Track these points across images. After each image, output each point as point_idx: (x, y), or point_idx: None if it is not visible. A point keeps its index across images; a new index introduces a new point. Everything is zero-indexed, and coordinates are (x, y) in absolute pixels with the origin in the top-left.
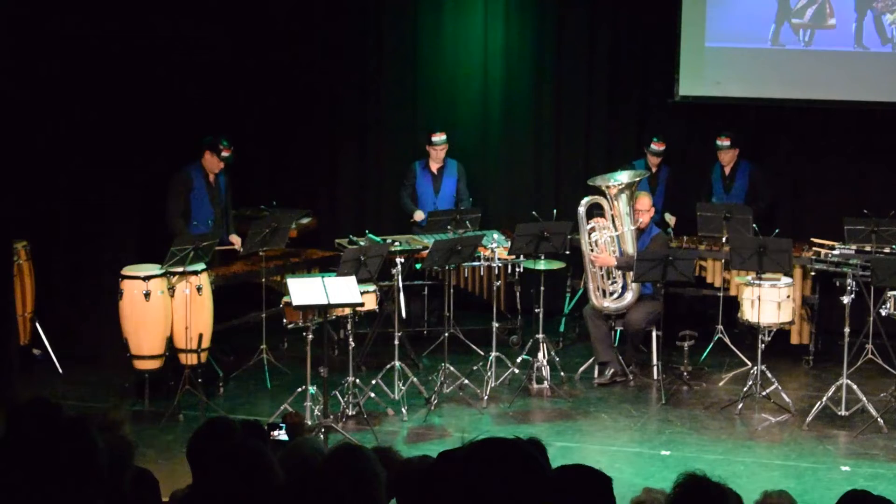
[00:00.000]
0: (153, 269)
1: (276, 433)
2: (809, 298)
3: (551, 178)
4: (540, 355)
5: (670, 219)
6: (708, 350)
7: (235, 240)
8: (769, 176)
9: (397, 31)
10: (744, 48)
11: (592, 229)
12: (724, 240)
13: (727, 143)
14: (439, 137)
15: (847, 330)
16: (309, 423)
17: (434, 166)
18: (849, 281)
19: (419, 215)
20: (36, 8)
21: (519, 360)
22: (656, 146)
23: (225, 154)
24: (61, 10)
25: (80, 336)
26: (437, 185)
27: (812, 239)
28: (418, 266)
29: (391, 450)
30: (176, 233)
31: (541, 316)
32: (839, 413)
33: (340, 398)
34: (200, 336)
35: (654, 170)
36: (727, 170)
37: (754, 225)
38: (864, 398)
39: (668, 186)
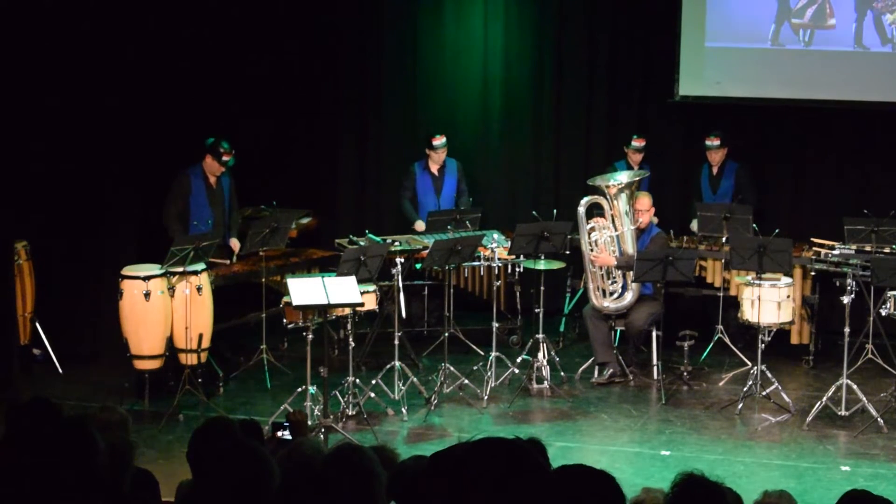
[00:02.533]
0: (153, 269)
1: (280, 433)
2: (809, 298)
3: (551, 178)
4: (540, 355)
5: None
6: (708, 350)
7: (235, 244)
8: (754, 175)
9: (397, 31)
10: (744, 48)
11: (592, 229)
12: (724, 240)
13: (717, 142)
14: (440, 141)
15: (847, 330)
16: (309, 423)
17: (434, 167)
18: (849, 281)
19: (420, 226)
20: (37, 7)
21: (519, 360)
22: (637, 143)
23: (225, 158)
24: (63, 9)
25: (80, 336)
26: (438, 186)
27: (812, 239)
28: (418, 266)
29: (387, 448)
30: (171, 234)
31: (541, 316)
32: (839, 413)
33: (340, 398)
34: (200, 336)
35: (635, 168)
36: (715, 170)
37: (754, 225)
38: (864, 398)
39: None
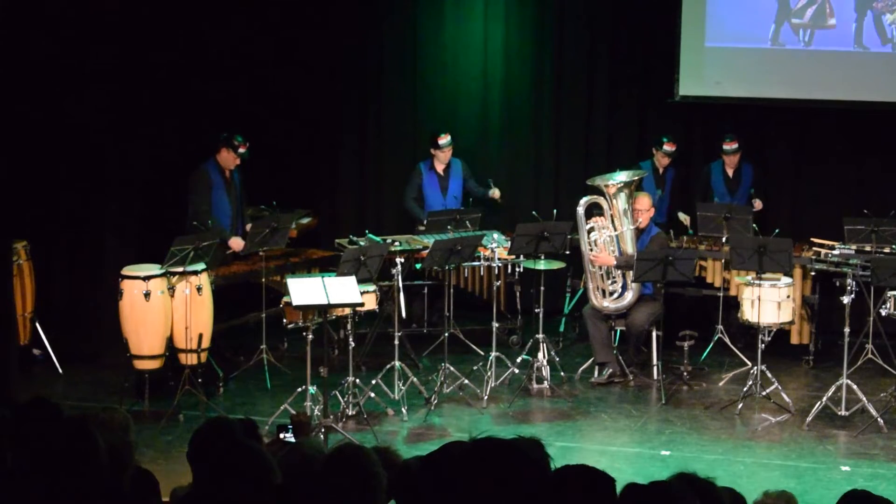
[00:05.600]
0: (153, 269)
1: (283, 435)
2: (809, 298)
3: (551, 178)
4: (540, 355)
5: (685, 218)
6: (708, 350)
7: (237, 243)
8: (764, 178)
9: (397, 31)
10: (744, 48)
11: (591, 229)
12: (724, 240)
13: (735, 146)
14: (445, 140)
15: (847, 330)
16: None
17: (440, 167)
18: (849, 281)
19: None
20: (36, 5)
21: (519, 360)
22: (668, 146)
23: (241, 150)
24: (62, 7)
25: (80, 336)
26: (444, 186)
27: (812, 239)
28: (418, 266)
29: (391, 450)
30: (206, 228)
31: (541, 316)
32: (839, 413)
33: (340, 398)
34: (200, 336)
35: (661, 171)
36: (731, 171)
37: (754, 225)
38: (864, 398)
39: (674, 188)
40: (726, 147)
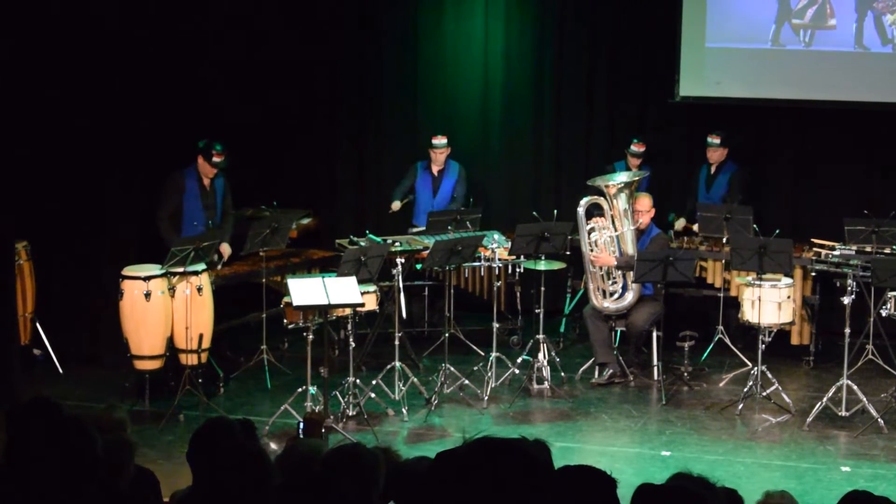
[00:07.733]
0: (153, 269)
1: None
2: (810, 299)
3: (551, 178)
4: (540, 356)
5: (679, 223)
6: (708, 350)
7: (225, 249)
8: (749, 179)
9: (397, 31)
10: (744, 48)
11: (592, 229)
12: (724, 240)
13: (717, 140)
14: (439, 141)
15: (847, 330)
16: None
17: (435, 168)
18: (849, 281)
19: (396, 205)
20: (37, 4)
21: (519, 360)
22: (636, 147)
23: (216, 160)
24: (63, 6)
25: (80, 336)
26: (435, 186)
27: (812, 239)
28: (419, 266)
29: (391, 450)
30: (161, 235)
31: (541, 316)
32: (839, 413)
33: (341, 398)
34: (200, 336)
35: (633, 171)
36: (713, 169)
37: (754, 225)
38: (865, 398)
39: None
40: (708, 139)
